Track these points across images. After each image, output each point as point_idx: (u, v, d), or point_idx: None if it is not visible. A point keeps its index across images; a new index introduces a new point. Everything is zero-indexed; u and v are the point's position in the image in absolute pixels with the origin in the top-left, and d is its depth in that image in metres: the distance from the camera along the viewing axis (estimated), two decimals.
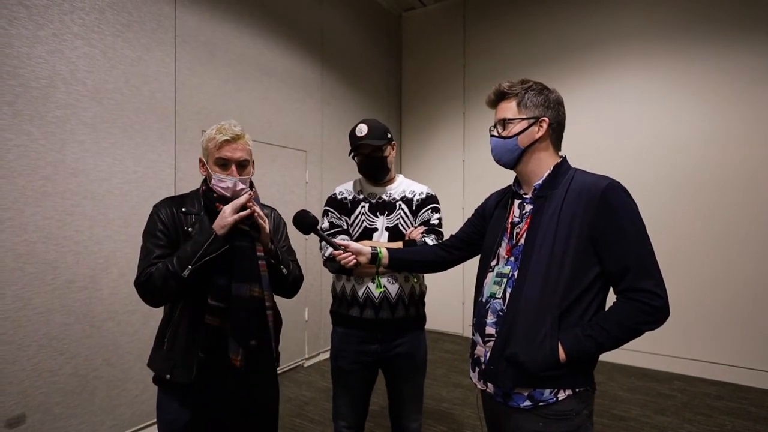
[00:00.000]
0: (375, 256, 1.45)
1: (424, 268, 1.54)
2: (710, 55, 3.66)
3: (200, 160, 1.41)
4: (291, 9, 3.79)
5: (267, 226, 1.38)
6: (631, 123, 3.99)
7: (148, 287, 1.27)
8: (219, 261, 1.28)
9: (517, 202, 1.28)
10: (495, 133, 1.25)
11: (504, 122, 1.22)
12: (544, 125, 1.18)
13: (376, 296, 1.67)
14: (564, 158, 1.23)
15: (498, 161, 1.26)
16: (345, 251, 1.46)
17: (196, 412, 1.30)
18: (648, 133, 3.91)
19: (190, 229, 1.34)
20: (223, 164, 1.34)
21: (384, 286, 1.66)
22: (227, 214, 1.28)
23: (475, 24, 4.89)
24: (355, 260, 1.46)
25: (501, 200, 1.36)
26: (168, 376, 1.31)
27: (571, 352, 1.07)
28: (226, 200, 1.35)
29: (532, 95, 1.19)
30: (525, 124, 1.18)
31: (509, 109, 1.21)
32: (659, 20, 3.85)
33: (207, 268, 1.26)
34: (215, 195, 1.37)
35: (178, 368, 1.31)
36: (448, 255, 1.49)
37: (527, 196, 1.24)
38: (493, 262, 1.27)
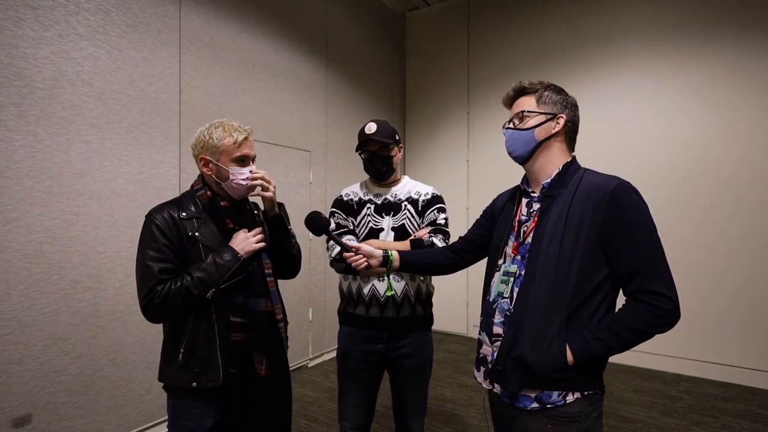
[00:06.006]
0: (386, 259, 1.44)
1: (433, 271, 1.53)
2: (711, 55, 3.63)
3: (202, 159, 1.36)
4: (295, 9, 3.79)
5: (272, 189, 1.41)
6: (631, 123, 3.96)
7: (164, 308, 1.23)
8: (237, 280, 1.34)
9: (525, 200, 1.27)
10: (511, 126, 1.25)
11: (522, 115, 1.22)
12: (561, 122, 1.18)
13: (383, 295, 1.67)
14: (574, 158, 1.23)
15: (511, 153, 1.26)
16: (356, 254, 1.45)
17: (232, 418, 1.36)
18: (648, 134, 3.89)
19: (197, 233, 1.32)
20: (243, 160, 1.38)
21: (394, 290, 1.65)
22: (253, 240, 1.35)
23: (479, 23, 4.88)
24: (366, 263, 1.45)
25: (509, 200, 1.35)
26: (194, 384, 1.29)
27: (579, 354, 1.05)
28: (238, 201, 1.43)
29: (551, 93, 1.21)
30: (543, 117, 1.19)
31: (528, 103, 1.22)
32: (662, 20, 3.83)
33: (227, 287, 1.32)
34: (219, 197, 1.39)
35: (203, 375, 1.29)
36: (457, 257, 1.48)
37: (535, 195, 1.23)
38: (500, 261, 1.26)
